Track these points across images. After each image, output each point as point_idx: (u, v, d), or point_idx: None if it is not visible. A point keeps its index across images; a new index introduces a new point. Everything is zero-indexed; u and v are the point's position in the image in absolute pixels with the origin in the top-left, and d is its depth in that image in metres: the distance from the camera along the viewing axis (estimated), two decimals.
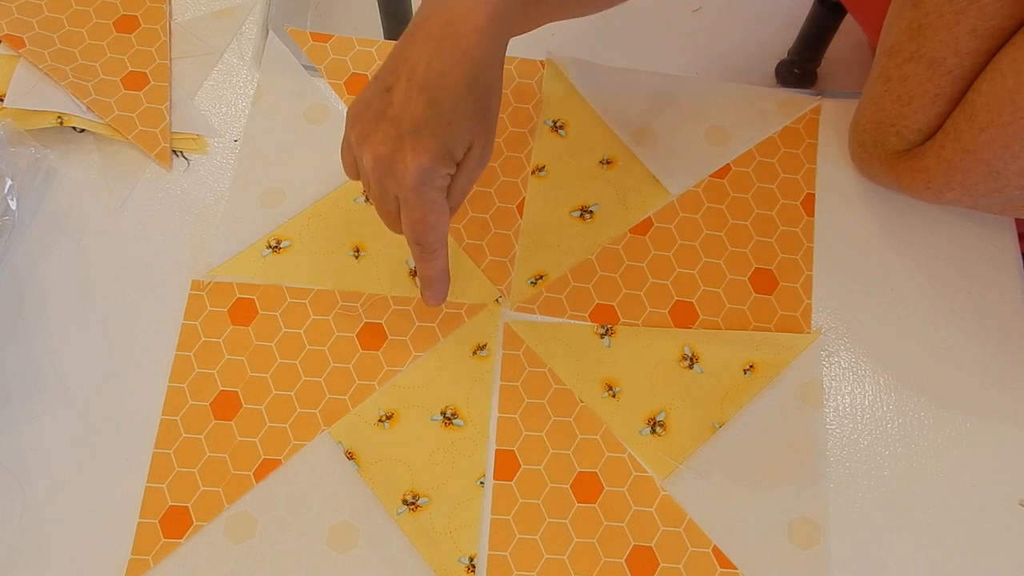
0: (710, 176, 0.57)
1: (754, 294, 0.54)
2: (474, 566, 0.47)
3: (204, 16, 0.62)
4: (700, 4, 1.14)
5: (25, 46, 0.57)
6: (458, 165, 0.42)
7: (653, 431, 0.51)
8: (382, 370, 0.52)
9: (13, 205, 0.53)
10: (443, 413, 0.51)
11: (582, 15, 0.50)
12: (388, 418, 0.50)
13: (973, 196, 0.49)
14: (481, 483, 0.49)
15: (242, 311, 0.52)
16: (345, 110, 0.58)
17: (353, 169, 0.45)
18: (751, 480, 0.49)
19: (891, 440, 0.51)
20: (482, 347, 0.52)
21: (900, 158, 0.52)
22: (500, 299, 0.53)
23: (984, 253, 0.55)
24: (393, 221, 0.44)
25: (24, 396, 0.50)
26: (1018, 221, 0.57)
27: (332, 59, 0.60)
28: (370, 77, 0.59)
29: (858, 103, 0.55)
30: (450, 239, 0.55)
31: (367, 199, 0.56)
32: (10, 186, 0.53)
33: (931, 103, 0.48)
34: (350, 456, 0.49)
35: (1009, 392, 0.52)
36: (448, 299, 0.53)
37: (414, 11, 1.11)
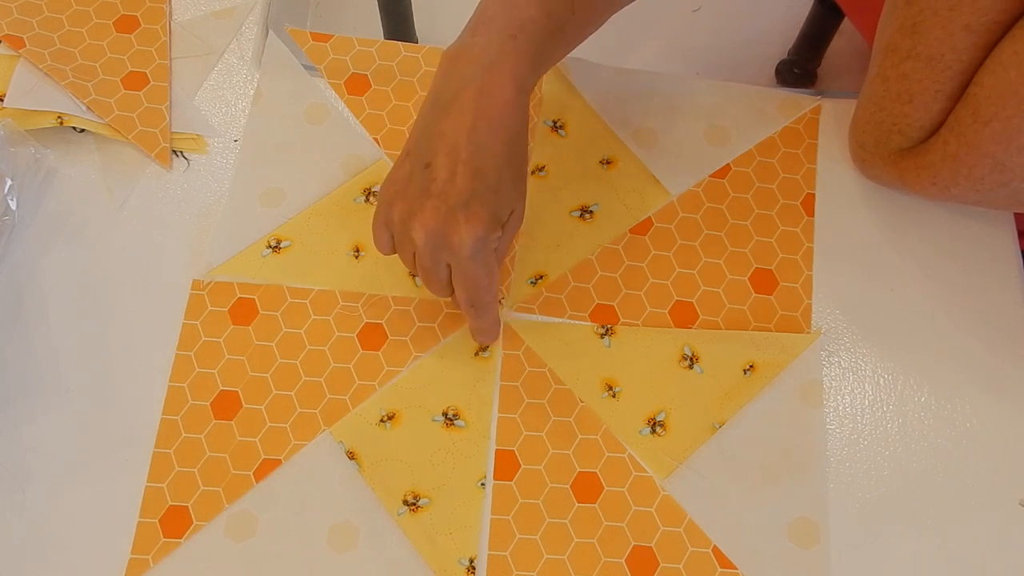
0: (710, 176, 0.57)
1: (754, 294, 0.54)
2: (474, 567, 0.47)
3: (204, 16, 0.62)
4: (700, 4, 1.14)
5: (25, 46, 0.57)
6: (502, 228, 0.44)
7: (653, 431, 0.51)
8: (383, 370, 0.52)
9: (13, 205, 0.53)
10: (445, 414, 0.51)
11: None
12: (390, 418, 0.50)
13: (979, 191, 0.49)
14: (482, 484, 0.49)
15: (242, 311, 0.52)
16: (345, 110, 0.58)
17: (388, 245, 0.46)
18: (751, 480, 0.49)
19: (891, 440, 0.51)
20: (484, 348, 0.52)
21: (903, 156, 0.52)
22: (503, 300, 0.53)
23: (984, 252, 0.55)
24: (442, 288, 0.46)
25: (24, 396, 0.50)
26: (1018, 219, 0.57)
27: (332, 59, 0.60)
28: (370, 77, 0.59)
29: (856, 104, 0.55)
30: None
31: (367, 199, 0.56)
32: (10, 186, 0.53)
33: (932, 100, 0.48)
34: (351, 456, 0.49)
35: (1009, 392, 0.52)
36: (448, 299, 0.53)
37: (414, 11, 1.12)
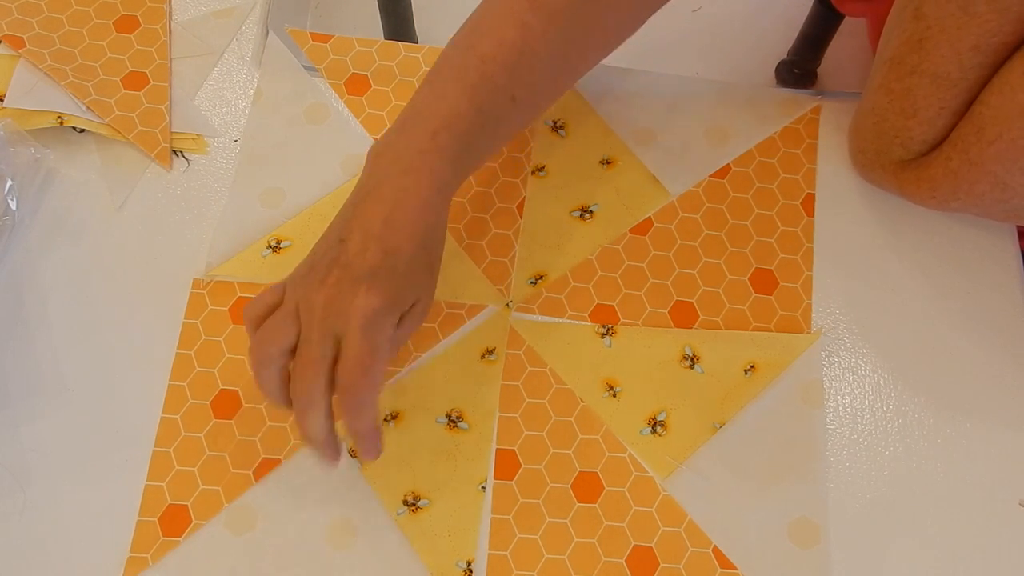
0: (710, 176, 0.57)
1: (754, 294, 0.54)
2: (471, 570, 0.47)
3: (204, 16, 0.62)
4: (700, 4, 1.14)
5: (25, 46, 0.57)
6: (401, 318, 0.43)
7: (654, 431, 0.51)
8: None
9: (13, 205, 0.53)
10: (448, 415, 0.51)
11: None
12: (393, 418, 0.50)
13: (979, 206, 0.49)
14: (483, 487, 0.49)
15: (243, 310, 0.52)
16: (345, 110, 0.58)
17: (266, 307, 0.43)
18: (751, 480, 0.49)
19: (891, 440, 0.51)
20: (491, 351, 0.52)
21: (904, 167, 0.52)
22: (510, 304, 0.53)
23: (984, 252, 0.55)
24: (316, 374, 0.41)
25: (24, 396, 0.50)
26: None
27: (332, 59, 0.60)
28: (370, 77, 0.59)
29: (857, 109, 0.55)
30: (450, 239, 0.55)
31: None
32: (10, 186, 0.53)
33: (936, 115, 0.48)
34: (353, 454, 0.49)
35: (1009, 392, 0.52)
36: (448, 299, 0.53)
37: (414, 12, 1.12)
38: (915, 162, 0.51)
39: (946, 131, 0.49)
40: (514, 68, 0.46)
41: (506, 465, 0.50)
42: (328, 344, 0.41)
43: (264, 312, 0.43)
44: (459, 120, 0.44)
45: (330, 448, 0.43)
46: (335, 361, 0.41)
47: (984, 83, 0.45)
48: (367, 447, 0.43)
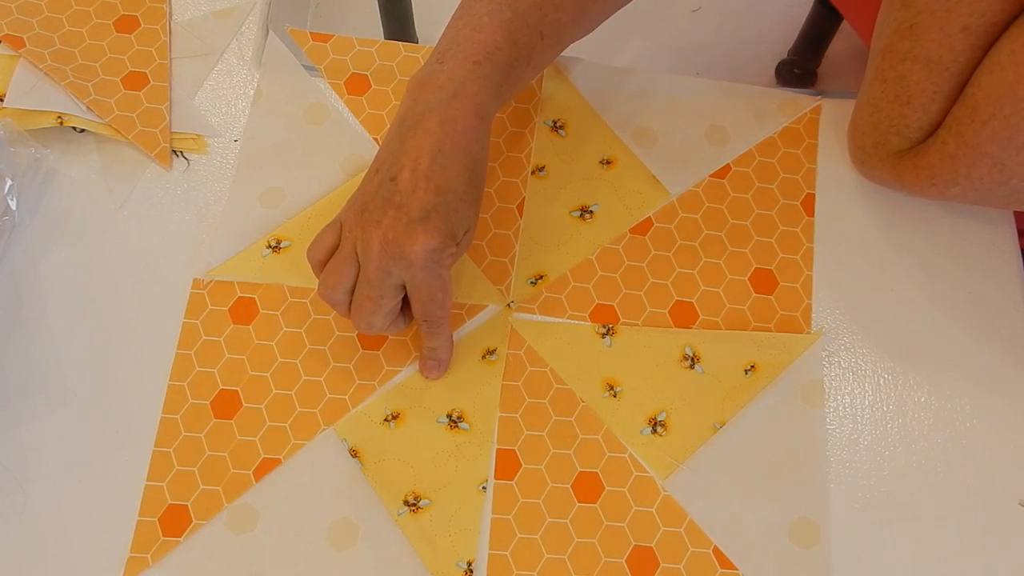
0: (710, 176, 0.57)
1: (754, 294, 0.54)
2: (472, 570, 0.47)
3: (204, 16, 0.62)
4: (700, 4, 1.14)
5: (25, 46, 0.57)
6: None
7: (654, 431, 0.51)
8: (383, 370, 0.52)
9: (13, 205, 0.53)
10: (449, 416, 0.51)
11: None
12: (394, 418, 0.51)
13: (978, 190, 0.49)
14: (483, 488, 0.49)
15: (243, 310, 0.52)
16: (345, 110, 0.58)
17: (327, 251, 0.46)
18: (752, 480, 0.49)
19: (891, 440, 0.51)
20: (491, 351, 0.52)
21: (902, 157, 0.52)
22: (512, 304, 0.53)
23: (984, 252, 0.55)
24: (371, 311, 0.45)
25: (24, 396, 0.50)
26: (1018, 219, 0.57)
27: (332, 59, 0.60)
28: (370, 76, 0.59)
29: (854, 106, 0.55)
30: None
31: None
32: (10, 186, 0.53)
33: (930, 101, 0.48)
34: (354, 454, 0.49)
35: (1009, 392, 0.52)
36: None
37: (414, 12, 1.12)
38: (912, 151, 0.51)
39: (940, 116, 0.49)
40: (542, 6, 0.48)
41: (507, 465, 0.50)
42: (386, 284, 0.44)
43: (326, 255, 0.46)
44: (498, 52, 0.46)
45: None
46: (397, 299, 0.45)
47: (975, 66, 0.46)
48: (438, 361, 0.50)
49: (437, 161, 0.43)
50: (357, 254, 0.44)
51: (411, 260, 0.43)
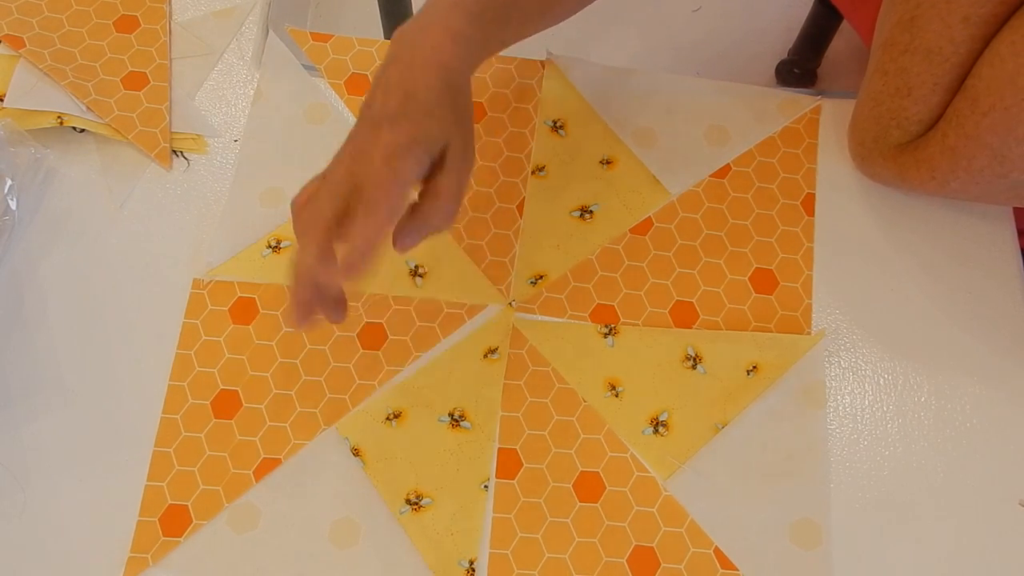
0: (710, 176, 0.57)
1: (754, 294, 0.54)
2: (474, 569, 0.47)
3: (204, 16, 0.62)
4: (700, 4, 1.14)
5: (25, 46, 0.57)
6: (439, 165, 0.42)
7: (656, 431, 0.51)
8: (382, 370, 0.52)
9: (13, 205, 0.53)
10: (451, 415, 0.51)
11: (543, 29, 0.51)
12: (396, 417, 0.51)
13: (979, 183, 0.49)
14: (485, 487, 0.49)
15: (243, 310, 0.52)
16: (345, 110, 0.58)
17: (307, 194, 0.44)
18: (753, 481, 0.49)
19: (891, 440, 0.51)
20: (493, 350, 0.52)
21: (902, 150, 0.52)
22: (513, 303, 0.53)
23: (984, 252, 0.55)
24: (327, 200, 0.41)
25: (24, 396, 0.50)
26: (1018, 219, 0.57)
27: (332, 59, 0.60)
28: (370, 76, 0.59)
29: (856, 101, 0.55)
30: (450, 239, 0.55)
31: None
32: (10, 186, 0.53)
33: (931, 92, 0.49)
34: (356, 453, 0.49)
35: (1009, 392, 0.52)
36: (448, 299, 0.53)
37: (414, 11, 1.12)
38: (912, 144, 0.51)
39: (940, 108, 0.49)
40: None
41: (508, 464, 0.50)
42: (347, 184, 0.41)
43: (305, 198, 0.43)
44: None
45: (304, 293, 0.41)
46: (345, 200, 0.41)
47: (975, 57, 0.46)
48: (360, 255, 0.41)
49: (406, 75, 0.42)
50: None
51: (371, 157, 0.40)
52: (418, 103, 0.41)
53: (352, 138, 0.43)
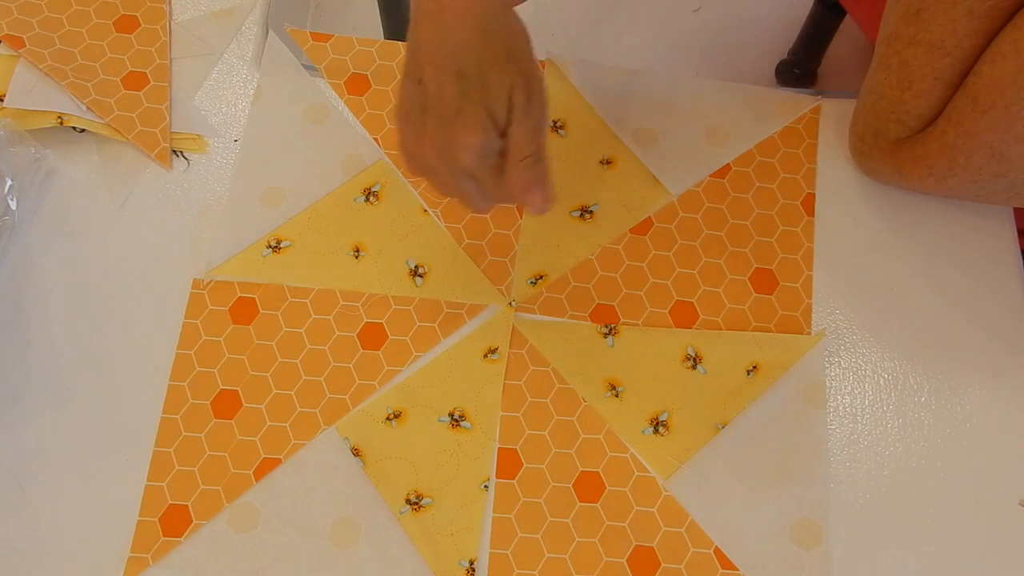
0: (710, 176, 0.57)
1: (754, 294, 0.54)
2: (474, 569, 0.47)
3: (204, 16, 0.62)
4: (700, 4, 1.14)
5: (25, 46, 0.57)
6: (510, 117, 0.42)
7: (656, 431, 0.51)
8: (383, 370, 0.52)
9: (13, 205, 0.53)
10: (451, 415, 0.51)
11: None
12: (396, 417, 0.51)
13: (976, 182, 0.49)
14: (485, 487, 0.49)
15: (243, 310, 0.52)
16: (345, 110, 0.58)
17: (415, 168, 0.45)
18: (753, 481, 0.49)
19: (891, 440, 0.51)
20: (493, 351, 0.52)
21: (901, 146, 0.52)
22: (513, 303, 0.53)
23: (985, 252, 0.55)
24: (472, 202, 0.44)
25: (24, 396, 0.50)
26: (1018, 219, 0.57)
27: (332, 59, 0.60)
28: (370, 76, 0.59)
29: (858, 98, 0.55)
30: (450, 239, 0.55)
31: (367, 199, 0.56)
32: (10, 186, 0.53)
33: (931, 87, 0.49)
34: (356, 453, 0.49)
35: (1009, 392, 0.52)
36: (448, 299, 0.53)
37: None
38: (911, 140, 0.51)
39: (940, 104, 0.49)
40: None
41: (508, 464, 0.50)
42: (459, 179, 0.42)
43: (420, 172, 0.44)
44: None
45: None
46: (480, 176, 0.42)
47: (977, 53, 0.46)
48: (536, 207, 0.44)
49: (445, 42, 0.40)
50: (423, 171, 0.43)
51: (459, 161, 0.41)
52: (471, 81, 0.40)
53: (410, 118, 0.42)
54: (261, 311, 0.53)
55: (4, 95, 0.56)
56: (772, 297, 0.54)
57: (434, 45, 0.41)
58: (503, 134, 0.42)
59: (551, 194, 0.43)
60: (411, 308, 0.53)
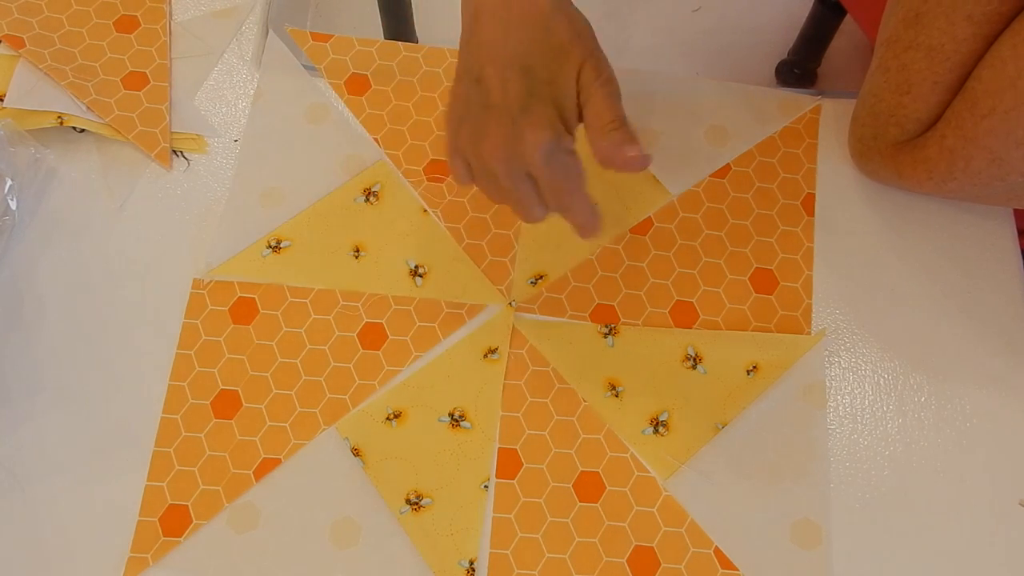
0: (710, 176, 0.57)
1: (754, 294, 0.54)
2: (474, 569, 0.47)
3: (204, 16, 0.62)
4: (700, 4, 1.14)
5: (25, 46, 0.57)
6: (579, 101, 0.41)
7: (656, 431, 0.51)
8: (383, 370, 0.52)
9: (13, 205, 0.53)
10: (451, 415, 0.51)
11: None
12: (396, 416, 0.51)
13: (976, 185, 0.49)
14: (485, 487, 0.49)
15: (243, 310, 0.52)
16: (345, 110, 0.58)
17: (466, 175, 0.44)
18: (753, 481, 0.49)
19: (891, 440, 0.51)
20: (493, 350, 0.52)
21: (900, 149, 0.52)
22: (513, 303, 0.53)
23: (985, 252, 0.55)
24: (531, 208, 0.43)
25: (24, 396, 0.50)
26: (1018, 219, 0.57)
27: (332, 59, 0.60)
28: (370, 76, 0.59)
29: (858, 98, 0.55)
30: (450, 239, 0.55)
31: (367, 199, 0.56)
32: (10, 186, 0.53)
33: (930, 91, 0.49)
34: (356, 453, 0.49)
35: (1009, 392, 0.52)
36: (448, 299, 0.53)
37: (414, 11, 1.12)
38: (910, 144, 0.51)
39: (939, 108, 0.49)
40: None
41: (508, 464, 0.50)
42: (520, 184, 0.42)
43: (467, 179, 0.44)
44: None
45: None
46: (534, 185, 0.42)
47: (977, 58, 0.46)
48: (586, 231, 0.44)
49: (510, 39, 0.40)
50: (480, 174, 0.43)
51: (530, 159, 0.40)
52: (538, 77, 0.40)
53: (468, 119, 0.41)
54: (261, 311, 0.53)
55: (4, 95, 0.56)
56: (772, 297, 0.54)
57: (498, 42, 0.40)
58: (570, 131, 0.41)
59: (646, 152, 0.42)
60: (411, 308, 0.53)
